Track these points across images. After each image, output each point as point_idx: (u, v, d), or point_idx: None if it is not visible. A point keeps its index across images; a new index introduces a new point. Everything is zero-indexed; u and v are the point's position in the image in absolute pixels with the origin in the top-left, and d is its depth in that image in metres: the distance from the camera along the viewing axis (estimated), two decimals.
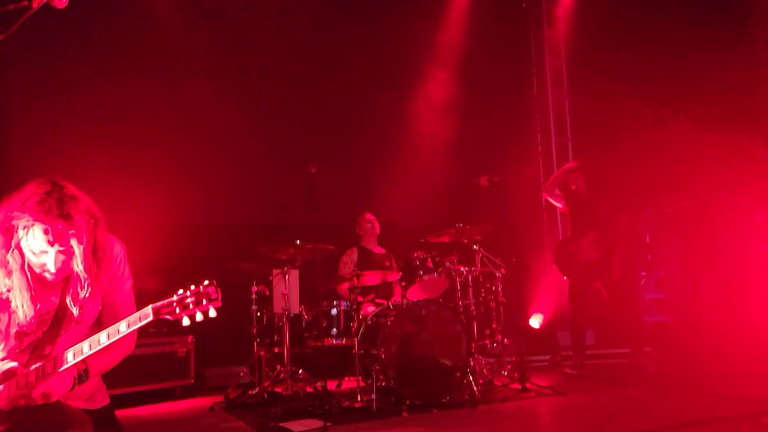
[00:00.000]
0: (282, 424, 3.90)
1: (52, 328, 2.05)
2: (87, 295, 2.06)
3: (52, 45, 5.42)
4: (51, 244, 1.93)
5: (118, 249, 2.19)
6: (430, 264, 4.90)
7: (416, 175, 6.83)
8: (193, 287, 1.87)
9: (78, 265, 1.99)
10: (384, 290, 5.54)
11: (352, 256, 5.66)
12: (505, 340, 5.37)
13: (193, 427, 4.09)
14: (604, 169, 6.20)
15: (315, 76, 6.70)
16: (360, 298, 4.81)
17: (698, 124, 6.30)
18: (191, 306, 1.85)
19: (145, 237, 4.62)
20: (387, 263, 5.62)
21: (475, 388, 4.40)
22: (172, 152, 5.76)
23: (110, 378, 2.22)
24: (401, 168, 6.83)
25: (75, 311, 2.06)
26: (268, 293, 5.10)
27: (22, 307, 1.96)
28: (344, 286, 5.14)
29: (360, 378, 4.48)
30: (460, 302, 5.08)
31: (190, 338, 5.24)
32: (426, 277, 4.85)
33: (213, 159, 5.96)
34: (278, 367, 4.82)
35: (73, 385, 1.97)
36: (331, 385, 5.01)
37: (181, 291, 1.87)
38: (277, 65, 6.47)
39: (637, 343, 5.77)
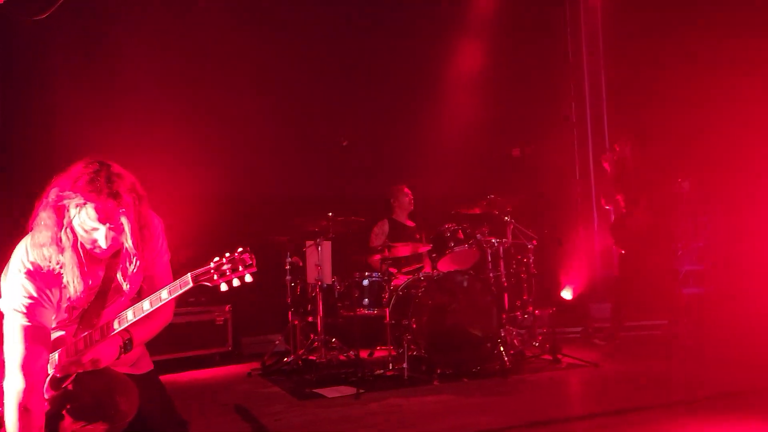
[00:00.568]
0: (316, 390, 4.04)
1: (97, 299, 2.16)
2: (135, 269, 2.17)
3: (94, 27, 5.52)
4: (102, 221, 2.00)
5: (158, 223, 2.27)
6: (461, 235, 4.91)
7: (448, 147, 6.79)
8: (228, 254, 1.95)
9: (127, 241, 2.07)
10: (415, 262, 5.59)
11: (383, 228, 5.71)
12: (537, 311, 5.38)
13: (232, 392, 4.25)
14: (642, 139, 6.06)
15: (347, 48, 6.68)
16: (393, 270, 4.85)
17: (740, 93, 6.07)
18: (228, 272, 1.93)
19: (181, 210, 4.74)
20: (417, 236, 5.66)
21: (506, 359, 4.44)
22: (207, 127, 5.86)
23: (153, 345, 2.34)
24: (433, 140, 6.80)
25: (125, 286, 2.17)
26: (301, 264, 5.20)
27: (73, 283, 2.05)
28: (375, 258, 5.21)
29: (391, 347, 4.57)
30: (491, 274, 5.09)
31: (227, 307, 5.40)
32: (457, 249, 4.87)
33: (247, 133, 6.02)
34: (312, 335, 4.95)
35: (120, 354, 2.08)
36: (363, 354, 5.13)
37: (217, 258, 1.95)
38: (311, 38, 6.46)
39: (673, 315, 5.72)
